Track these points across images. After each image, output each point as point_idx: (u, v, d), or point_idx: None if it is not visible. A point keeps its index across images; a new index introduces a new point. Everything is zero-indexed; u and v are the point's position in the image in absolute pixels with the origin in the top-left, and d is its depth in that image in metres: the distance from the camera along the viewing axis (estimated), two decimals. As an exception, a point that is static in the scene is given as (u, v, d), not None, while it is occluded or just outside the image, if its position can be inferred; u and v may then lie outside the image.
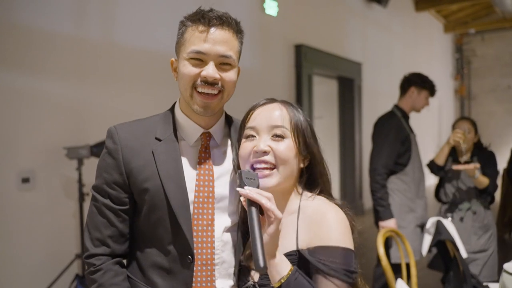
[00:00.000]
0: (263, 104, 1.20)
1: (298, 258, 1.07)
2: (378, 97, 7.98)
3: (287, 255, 1.07)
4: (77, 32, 3.19)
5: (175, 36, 1.25)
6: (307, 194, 1.17)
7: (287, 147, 1.12)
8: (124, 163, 1.18)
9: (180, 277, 1.16)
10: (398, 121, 3.12)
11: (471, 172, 2.76)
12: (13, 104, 2.83)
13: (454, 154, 3.08)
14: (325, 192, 1.19)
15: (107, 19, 3.39)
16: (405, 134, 3.07)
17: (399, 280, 2.12)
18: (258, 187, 1.05)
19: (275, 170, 1.11)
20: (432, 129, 11.15)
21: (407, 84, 3.16)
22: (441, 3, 9.51)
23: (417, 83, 3.11)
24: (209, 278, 1.18)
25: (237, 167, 1.22)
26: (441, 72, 11.76)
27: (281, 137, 1.13)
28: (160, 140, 1.21)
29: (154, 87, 3.70)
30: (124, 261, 1.27)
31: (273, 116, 1.14)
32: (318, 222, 1.08)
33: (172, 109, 1.30)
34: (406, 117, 3.20)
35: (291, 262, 1.05)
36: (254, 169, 1.12)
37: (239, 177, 1.06)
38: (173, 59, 1.27)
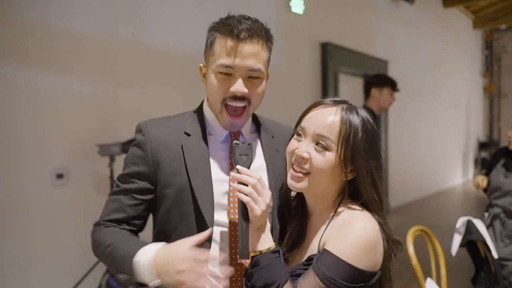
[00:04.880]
0: (325, 105, 1.15)
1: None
2: (405, 95, 7.87)
3: (310, 259, 1.08)
4: (108, 33, 3.27)
5: (203, 36, 1.25)
6: (347, 202, 1.14)
7: (325, 160, 1.09)
8: (152, 155, 1.19)
9: None
10: None
11: None
12: (48, 103, 2.93)
13: (506, 154, 2.92)
14: (370, 206, 1.12)
15: (136, 20, 3.46)
16: None
17: (429, 280, 2.11)
18: (250, 163, 1.12)
19: (307, 176, 1.10)
20: (460, 128, 10.93)
21: (368, 87, 3.33)
22: (470, -1, 9.30)
23: (376, 83, 3.28)
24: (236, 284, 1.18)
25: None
26: (469, 69, 11.51)
27: (323, 147, 1.09)
28: (189, 135, 1.22)
29: (183, 86, 3.76)
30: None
31: (323, 124, 1.10)
32: (341, 229, 1.06)
33: (200, 107, 1.31)
34: (374, 116, 3.24)
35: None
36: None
37: (233, 151, 1.13)
38: (201, 65, 1.27)
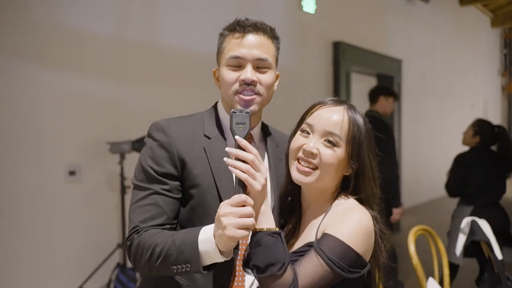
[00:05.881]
0: (329, 104, 1.20)
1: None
2: (419, 95, 7.81)
3: (307, 245, 1.13)
4: (120, 32, 3.34)
5: (214, 37, 1.30)
6: (343, 196, 1.19)
7: (334, 156, 1.14)
8: (178, 155, 1.20)
9: (220, 272, 1.18)
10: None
11: None
12: (60, 101, 3.01)
13: None
14: (365, 202, 1.19)
15: (149, 20, 3.52)
16: None
17: (430, 279, 2.11)
18: (247, 133, 1.09)
19: (316, 171, 1.14)
20: (477, 128, 10.77)
21: (377, 94, 3.76)
22: (488, -3, 9.15)
23: (385, 92, 3.77)
24: (241, 273, 1.23)
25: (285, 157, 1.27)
26: (487, 68, 11.34)
27: (332, 144, 1.14)
28: (209, 138, 1.25)
29: (193, 85, 3.81)
30: None
31: (332, 122, 1.15)
32: (340, 217, 1.11)
33: (215, 108, 1.34)
34: (380, 119, 3.75)
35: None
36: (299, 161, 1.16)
37: (230, 120, 1.09)
38: (214, 69, 1.33)
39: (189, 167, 1.20)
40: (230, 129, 1.09)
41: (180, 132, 1.23)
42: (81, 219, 3.14)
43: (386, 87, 3.97)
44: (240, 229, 0.99)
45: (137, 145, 3.15)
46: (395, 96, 3.84)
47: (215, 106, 1.35)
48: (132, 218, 1.18)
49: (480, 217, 2.98)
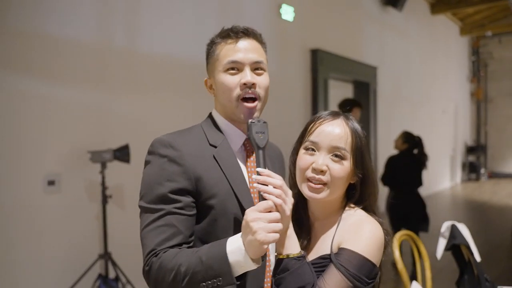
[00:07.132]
0: (328, 119, 1.22)
1: (331, 261, 1.14)
2: (394, 101, 7.99)
3: (322, 258, 1.15)
4: (101, 40, 3.30)
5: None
6: (350, 206, 1.23)
7: (343, 169, 1.17)
8: (191, 168, 1.17)
9: (252, 279, 1.16)
10: None
11: None
12: (40, 110, 2.95)
13: None
14: (369, 208, 1.23)
15: (131, 28, 3.50)
16: None
17: (414, 283, 2.16)
18: (267, 142, 1.13)
19: (327, 186, 1.17)
20: (448, 132, 11.08)
21: (352, 105, 4.52)
22: (457, 6, 9.47)
23: (359, 104, 4.65)
24: (269, 279, 1.23)
25: (291, 174, 1.28)
26: (457, 74, 11.69)
27: (340, 157, 1.17)
28: (215, 147, 1.24)
29: (175, 93, 3.80)
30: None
31: (337, 136, 1.18)
32: (354, 230, 1.14)
33: (212, 118, 1.33)
34: None
35: (325, 265, 1.13)
36: (308, 180, 1.18)
37: (249, 129, 1.13)
38: (206, 78, 1.34)
39: (204, 179, 1.18)
40: (250, 138, 1.12)
41: (187, 145, 1.21)
42: (61, 230, 3.07)
43: (357, 100, 4.83)
44: (269, 233, 1.00)
45: (119, 154, 3.11)
46: (362, 108, 4.77)
47: (210, 116, 1.35)
48: (146, 242, 1.13)
49: (399, 200, 4.40)
